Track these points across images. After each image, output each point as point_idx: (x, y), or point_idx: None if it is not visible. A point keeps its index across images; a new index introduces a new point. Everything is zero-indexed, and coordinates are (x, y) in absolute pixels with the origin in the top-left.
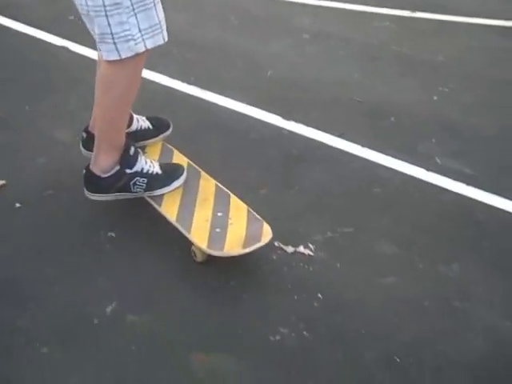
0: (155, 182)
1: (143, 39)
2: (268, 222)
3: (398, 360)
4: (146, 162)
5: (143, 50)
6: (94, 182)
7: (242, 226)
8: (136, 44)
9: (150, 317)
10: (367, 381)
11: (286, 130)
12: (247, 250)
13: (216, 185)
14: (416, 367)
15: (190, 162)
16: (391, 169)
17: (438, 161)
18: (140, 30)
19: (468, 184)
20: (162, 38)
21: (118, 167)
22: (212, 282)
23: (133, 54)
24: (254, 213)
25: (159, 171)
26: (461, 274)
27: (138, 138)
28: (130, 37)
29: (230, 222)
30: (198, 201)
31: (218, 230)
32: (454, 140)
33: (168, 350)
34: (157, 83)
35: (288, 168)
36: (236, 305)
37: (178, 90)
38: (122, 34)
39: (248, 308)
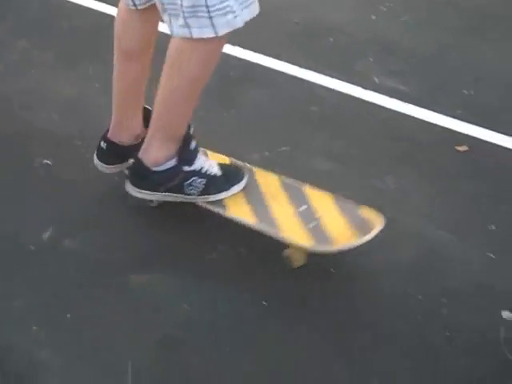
0: (213, 184)
1: (242, 11)
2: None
3: (332, 271)
4: (205, 161)
5: (241, 24)
6: (142, 176)
7: (337, 216)
8: (235, 17)
9: (87, 240)
10: (303, 292)
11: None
12: (359, 242)
13: (279, 179)
14: (351, 275)
15: (234, 160)
16: (328, 88)
17: (376, 79)
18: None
19: (403, 101)
20: (256, 6)
21: (173, 162)
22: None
23: (230, 29)
24: (344, 198)
25: (218, 172)
26: (395, 186)
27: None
28: (228, 8)
29: (318, 214)
30: (268, 198)
31: (311, 225)
32: (392, 59)
33: (106, 271)
34: None
35: (225, 90)
36: (173, 225)
37: None
38: (220, 6)
39: (185, 228)
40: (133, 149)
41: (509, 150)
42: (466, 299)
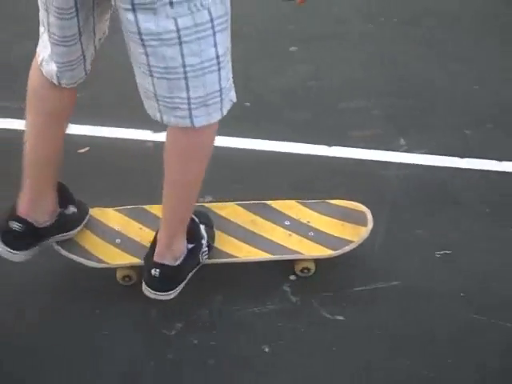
0: (209, 238)
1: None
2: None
3: None
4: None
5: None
6: (172, 276)
7: (323, 217)
8: (232, 92)
9: None
10: None
11: None
12: (369, 229)
13: (240, 205)
14: None
15: None
16: None
17: None
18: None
19: None
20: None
21: (189, 244)
22: None
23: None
24: (309, 201)
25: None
26: None
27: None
28: (232, 87)
29: (305, 221)
30: (250, 227)
31: (311, 233)
32: None
33: None
34: None
35: None
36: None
37: None
38: (228, 86)
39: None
40: (49, 228)
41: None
42: None
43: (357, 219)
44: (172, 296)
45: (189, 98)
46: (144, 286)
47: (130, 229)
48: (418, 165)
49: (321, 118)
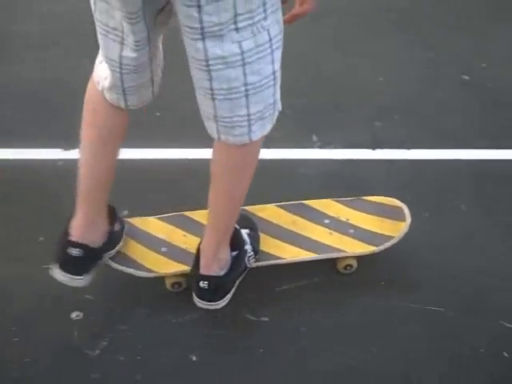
0: (253, 242)
1: None
2: None
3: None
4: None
5: None
6: (220, 286)
7: (361, 214)
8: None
9: None
10: None
11: None
12: (408, 223)
13: (279, 207)
14: None
15: None
16: None
17: None
18: None
19: None
20: None
21: (233, 252)
22: None
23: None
24: (344, 198)
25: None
26: None
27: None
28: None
29: (345, 219)
30: (292, 228)
31: (351, 231)
32: None
33: None
34: None
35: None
36: None
37: None
38: (278, 97)
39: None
40: (103, 247)
41: None
42: None
43: (394, 214)
44: (223, 304)
45: (248, 115)
46: (195, 298)
47: (175, 236)
48: (332, 160)
49: None
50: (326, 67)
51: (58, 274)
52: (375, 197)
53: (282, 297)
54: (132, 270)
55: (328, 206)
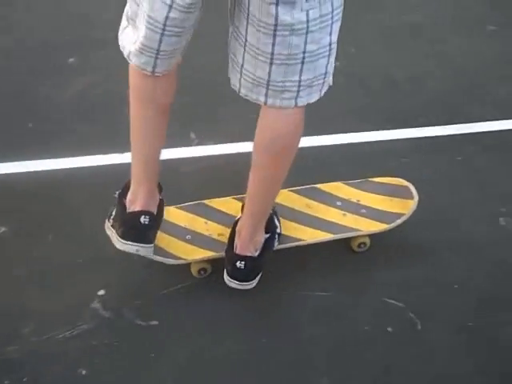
0: (275, 222)
1: None
2: None
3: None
4: None
5: None
6: (255, 266)
7: (371, 195)
8: (331, 79)
9: None
10: None
11: None
12: (415, 202)
13: (288, 191)
14: None
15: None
16: None
17: None
18: None
19: None
20: None
21: (265, 235)
22: None
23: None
24: (353, 181)
25: None
26: None
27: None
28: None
29: (355, 200)
30: (307, 211)
31: (363, 210)
32: None
33: None
34: None
35: None
36: None
37: None
38: (331, 70)
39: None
40: (160, 216)
41: None
42: None
43: (402, 193)
44: (254, 285)
45: (300, 81)
46: (228, 279)
47: (197, 224)
48: (212, 155)
49: (110, 128)
50: (200, 63)
51: (129, 245)
52: (382, 178)
53: (169, 298)
54: (160, 257)
55: (338, 189)
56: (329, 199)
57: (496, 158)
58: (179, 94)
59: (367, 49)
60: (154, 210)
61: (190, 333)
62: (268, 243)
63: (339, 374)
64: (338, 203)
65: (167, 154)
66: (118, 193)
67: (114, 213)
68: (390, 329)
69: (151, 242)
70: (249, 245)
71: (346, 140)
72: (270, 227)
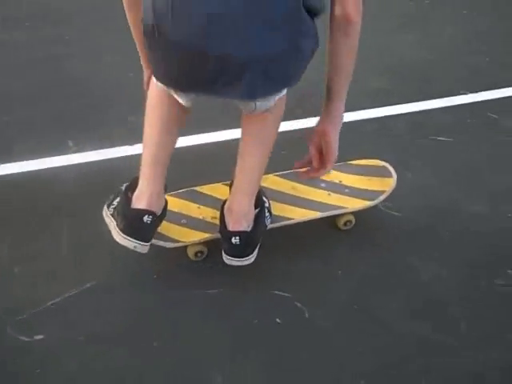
0: (269, 205)
1: None
2: None
3: None
4: None
5: None
6: (251, 240)
7: (351, 176)
8: None
9: None
10: None
11: None
12: (395, 179)
13: (274, 176)
14: None
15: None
16: None
17: None
18: None
19: None
20: None
21: (255, 209)
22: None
23: None
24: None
25: None
26: None
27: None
28: None
29: (338, 181)
30: (293, 192)
31: (346, 190)
32: None
33: None
34: None
35: None
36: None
37: None
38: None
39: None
40: (162, 216)
41: None
42: None
43: (380, 172)
44: (252, 260)
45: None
46: (226, 257)
47: (190, 209)
48: (91, 162)
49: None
50: (73, 67)
51: (128, 240)
52: (360, 160)
53: (55, 310)
54: (162, 242)
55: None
56: (312, 181)
57: None
58: (52, 102)
59: None
60: (158, 211)
61: (77, 345)
62: (259, 217)
63: (233, 369)
64: (322, 185)
65: (48, 163)
66: (125, 185)
67: (115, 202)
68: (278, 320)
69: (150, 241)
70: (241, 220)
71: None
72: (259, 202)
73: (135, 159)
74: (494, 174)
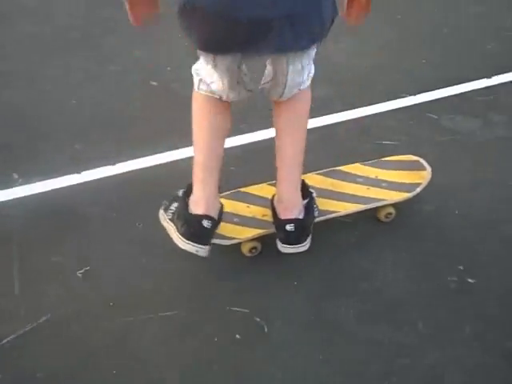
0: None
1: None
2: None
3: None
4: None
5: None
6: (304, 227)
7: (387, 171)
8: None
9: None
10: None
11: None
12: (429, 172)
13: (312, 174)
14: None
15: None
16: None
17: None
18: None
19: None
20: None
21: (304, 200)
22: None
23: None
24: (367, 161)
25: None
26: None
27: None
28: None
29: (374, 176)
30: (332, 189)
31: (384, 184)
32: None
33: None
34: None
35: None
36: None
37: None
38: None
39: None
40: (219, 221)
41: None
42: None
43: (414, 166)
44: (307, 246)
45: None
46: (282, 246)
47: (240, 208)
48: (38, 193)
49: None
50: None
51: (190, 245)
52: (393, 156)
53: (12, 348)
54: (219, 240)
55: (356, 169)
56: (350, 178)
57: None
58: None
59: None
60: (216, 215)
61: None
62: (309, 206)
63: None
64: (360, 180)
65: None
66: (181, 191)
67: (172, 207)
68: (238, 336)
69: (210, 244)
70: (292, 209)
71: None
72: (307, 193)
73: (83, 187)
74: (439, 172)
